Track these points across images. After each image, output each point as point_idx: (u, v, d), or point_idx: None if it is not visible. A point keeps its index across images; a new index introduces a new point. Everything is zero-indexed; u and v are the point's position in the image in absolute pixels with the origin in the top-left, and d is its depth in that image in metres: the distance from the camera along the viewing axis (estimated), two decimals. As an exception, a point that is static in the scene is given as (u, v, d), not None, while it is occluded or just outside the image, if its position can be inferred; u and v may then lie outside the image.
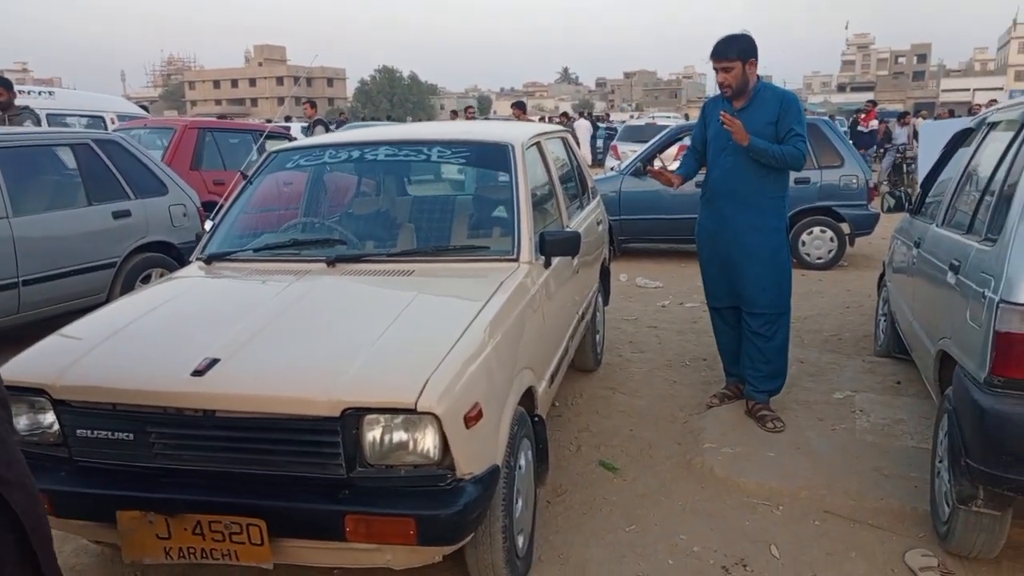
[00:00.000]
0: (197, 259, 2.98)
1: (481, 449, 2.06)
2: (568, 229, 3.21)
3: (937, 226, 3.36)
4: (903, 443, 3.45)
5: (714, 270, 3.73)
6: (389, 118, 33.75)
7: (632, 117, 27.86)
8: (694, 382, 4.40)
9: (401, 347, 2.12)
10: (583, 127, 16.43)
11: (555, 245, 2.89)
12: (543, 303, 2.82)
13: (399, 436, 1.96)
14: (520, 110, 10.50)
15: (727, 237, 3.58)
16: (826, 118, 10.83)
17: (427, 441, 1.95)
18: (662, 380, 4.47)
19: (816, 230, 7.72)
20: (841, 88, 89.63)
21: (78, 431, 2.10)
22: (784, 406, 3.83)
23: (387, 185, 3.47)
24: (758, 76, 3.49)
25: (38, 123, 6.23)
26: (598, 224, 4.37)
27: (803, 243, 7.70)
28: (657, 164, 8.37)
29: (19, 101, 9.67)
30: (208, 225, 3.16)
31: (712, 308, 3.90)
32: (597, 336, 4.51)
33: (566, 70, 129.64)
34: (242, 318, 2.32)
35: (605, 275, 4.67)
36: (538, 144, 3.56)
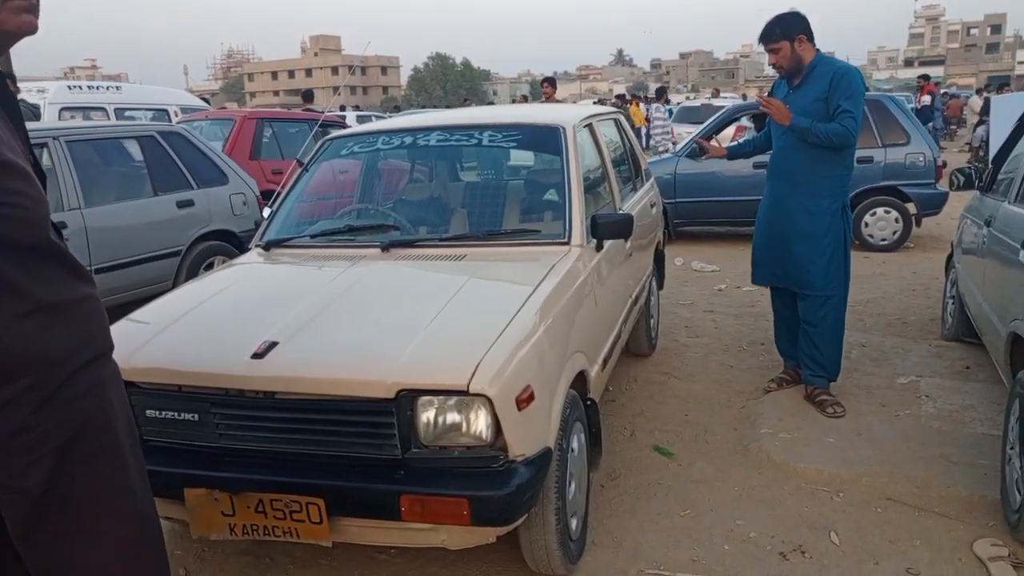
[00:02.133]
0: (256, 246, 3.06)
1: (533, 431, 2.07)
2: (620, 212, 3.18)
3: (1009, 203, 3.22)
4: (972, 429, 3.33)
5: (763, 246, 3.70)
6: (447, 106, 33.76)
7: (688, 98, 27.34)
8: (751, 367, 4.33)
9: (454, 330, 2.14)
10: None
11: (607, 228, 2.87)
12: (595, 287, 2.81)
13: (452, 417, 1.98)
14: (551, 86, 9.75)
15: (779, 216, 3.54)
16: (891, 94, 10.46)
17: (479, 423, 1.97)
18: (718, 365, 4.40)
19: (880, 211, 7.46)
20: (909, 63, 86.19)
21: (147, 412, 2.18)
22: (845, 391, 3.74)
23: (439, 170, 3.50)
24: (817, 50, 3.39)
25: (34, 119, 6.33)
26: (652, 207, 4.32)
27: (866, 224, 7.45)
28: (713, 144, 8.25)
29: (92, 97, 10.09)
30: (266, 212, 3.23)
31: (771, 289, 3.84)
32: (652, 320, 4.47)
33: (620, 52, 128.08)
34: (299, 302, 2.37)
35: (660, 259, 4.62)
36: (590, 126, 3.54)
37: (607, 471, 3.13)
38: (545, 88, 9.68)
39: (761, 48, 3.39)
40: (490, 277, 2.58)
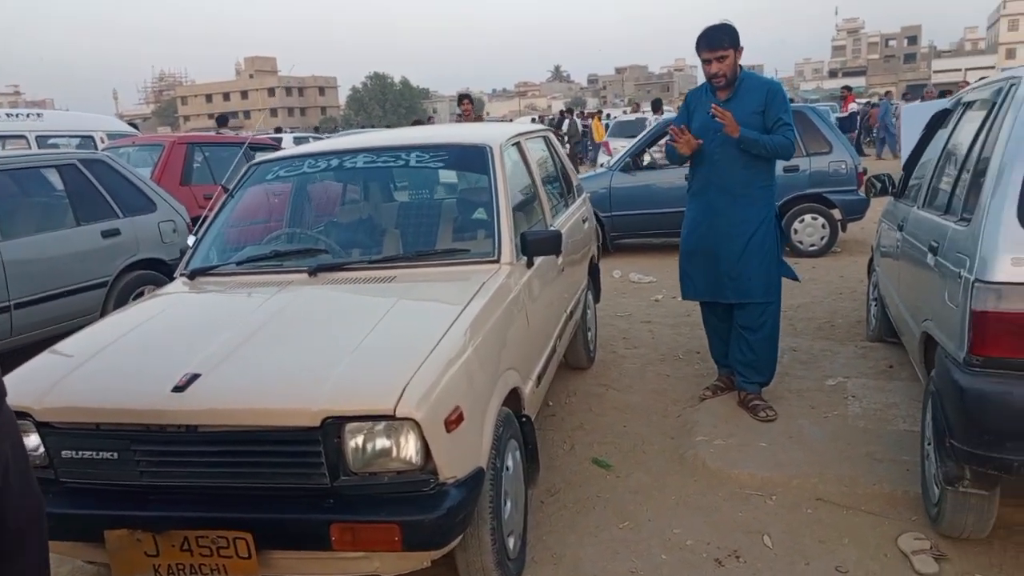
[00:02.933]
0: (181, 275, 2.99)
1: (464, 452, 2.07)
2: (550, 228, 3.22)
3: (918, 208, 3.36)
4: (895, 427, 3.45)
5: (699, 263, 3.68)
6: (387, 126, 33.37)
7: (624, 112, 27.87)
8: (687, 375, 4.41)
9: (380, 354, 2.13)
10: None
11: (537, 244, 2.90)
12: (527, 303, 2.83)
13: (381, 443, 1.97)
14: (469, 103, 9.33)
15: (718, 230, 3.54)
16: (815, 104, 10.84)
17: (408, 447, 1.95)
18: (655, 375, 4.47)
19: (808, 217, 7.72)
20: (833, 74, 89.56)
21: (63, 452, 2.11)
22: (777, 395, 3.83)
23: (367, 192, 3.48)
24: (740, 65, 3.49)
25: None
26: (584, 222, 4.38)
27: (795, 231, 7.70)
28: (646, 160, 8.41)
29: (11, 125, 9.74)
30: (191, 240, 3.17)
31: (702, 303, 3.87)
32: (589, 333, 4.51)
33: (557, 68, 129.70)
34: (223, 332, 2.33)
35: (594, 272, 4.68)
36: (518, 144, 3.57)
37: (546, 486, 3.14)
38: (464, 105, 9.35)
39: (706, 55, 3.34)
40: (419, 298, 2.58)
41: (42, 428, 2.11)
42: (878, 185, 4.35)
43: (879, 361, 4.31)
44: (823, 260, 7.53)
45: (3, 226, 4.68)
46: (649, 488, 3.12)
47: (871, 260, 4.93)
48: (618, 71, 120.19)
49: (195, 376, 2.07)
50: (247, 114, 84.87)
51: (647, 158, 8.43)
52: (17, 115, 9.93)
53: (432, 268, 2.77)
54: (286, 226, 3.22)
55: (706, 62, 3.38)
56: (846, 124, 18.37)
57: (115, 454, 2.06)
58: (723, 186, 3.50)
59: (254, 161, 3.35)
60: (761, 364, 3.68)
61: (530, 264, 2.97)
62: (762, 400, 3.68)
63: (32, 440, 2.13)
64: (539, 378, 2.97)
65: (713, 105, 3.32)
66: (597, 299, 4.85)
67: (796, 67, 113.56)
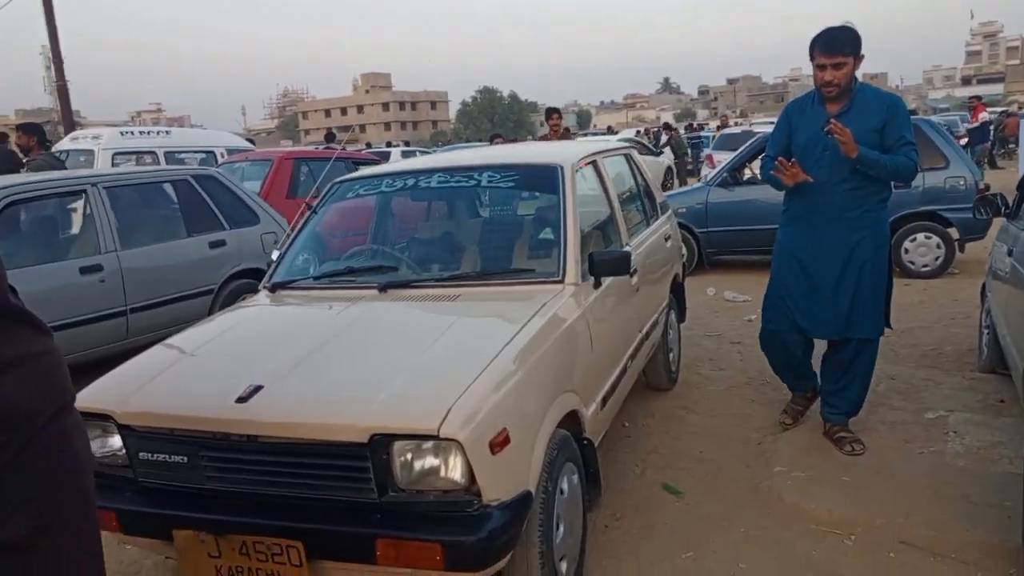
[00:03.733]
0: (263, 287, 3.14)
1: (510, 475, 2.07)
2: (622, 248, 3.16)
3: (1029, 232, 3.10)
4: (999, 468, 3.19)
5: (798, 295, 3.36)
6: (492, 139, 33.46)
7: (735, 124, 27.10)
8: (773, 401, 4.22)
9: (432, 373, 2.16)
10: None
11: (604, 265, 2.87)
12: (591, 324, 2.80)
13: (427, 462, 1.99)
14: (557, 117, 8.87)
15: (824, 260, 3.25)
16: (928, 118, 10.20)
17: (453, 467, 1.97)
18: (740, 399, 4.32)
19: (920, 236, 7.26)
20: (966, 81, 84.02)
21: (140, 454, 2.25)
22: (867, 427, 3.62)
23: (441, 211, 3.55)
24: (855, 77, 3.18)
25: (56, 167, 6.46)
26: (666, 240, 4.29)
27: (906, 250, 7.25)
28: (746, 174, 8.16)
29: (143, 142, 10.53)
30: (275, 255, 3.32)
31: (771, 330, 3.56)
32: (671, 354, 4.41)
33: (667, 80, 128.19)
34: (291, 345, 2.43)
35: (678, 291, 4.58)
36: (594, 163, 3.55)
37: (611, 510, 3.08)
38: (552, 120, 8.90)
39: (821, 59, 3.04)
40: (478, 317, 2.60)
41: (123, 431, 2.26)
42: (990, 207, 4.04)
43: (988, 395, 4.00)
44: (937, 282, 7.05)
45: (123, 237, 5.07)
46: (719, 518, 3.01)
47: (984, 284, 4.59)
48: (730, 81, 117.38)
49: (258, 387, 2.16)
50: (363, 128, 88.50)
51: (747, 172, 8.19)
52: (148, 132, 10.75)
53: (496, 287, 2.79)
54: (369, 242, 3.32)
55: (820, 68, 3.08)
56: (977, 135, 17.15)
57: (185, 458, 2.19)
58: (831, 211, 3.20)
59: (337, 179, 3.48)
60: (852, 394, 3.46)
61: (597, 284, 2.94)
62: (849, 432, 3.48)
63: (115, 441, 2.30)
64: (604, 400, 2.92)
65: (832, 120, 3.01)
66: (682, 319, 4.74)
67: (924, 74, 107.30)
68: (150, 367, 2.44)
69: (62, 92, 12.97)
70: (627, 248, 3.28)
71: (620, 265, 2.89)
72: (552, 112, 9.03)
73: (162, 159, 10.29)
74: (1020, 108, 20.45)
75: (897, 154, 3.10)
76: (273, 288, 3.10)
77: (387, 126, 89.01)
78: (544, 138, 9.17)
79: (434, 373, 2.15)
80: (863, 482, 3.15)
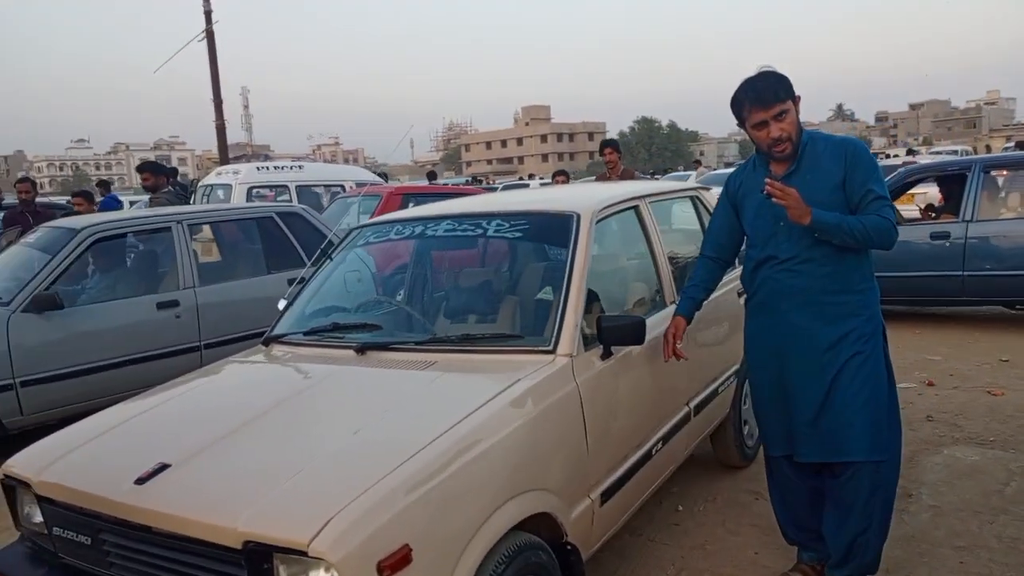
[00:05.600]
0: (262, 340, 2.96)
1: (412, 601, 1.69)
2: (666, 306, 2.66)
3: None
4: None
5: (775, 402, 2.61)
6: (652, 173, 32.24)
7: (909, 153, 24.61)
8: (868, 493, 3.51)
9: (335, 470, 1.83)
10: None
11: (612, 333, 2.44)
12: (591, 403, 2.36)
13: (311, 580, 1.66)
14: (614, 151, 7.23)
15: (795, 357, 2.52)
16: None
17: (330, 591, 1.63)
18: (827, 486, 3.63)
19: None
20: None
21: (54, 529, 2.09)
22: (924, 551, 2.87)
23: (443, 262, 3.23)
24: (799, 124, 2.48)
25: (175, 202, 6.69)
26: (740, 295, 3.71)
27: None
28: None
29: (277, 176, 11.10)
30: (281, 304, 3.15)
31: (772, 457, 2.76)
32: (746, 427, 3.81)
33: (840, 106, 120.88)
34: (224, 418, 2.20)
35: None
36: (635, 208, 3.11)
37: (621, 624, 2.59)
38: (607, 155, 7.24)
39: (758, 115, 2.38)
40: (434, 393, 2.24)
41: (41, 502, 2.11)
42: None
43: None
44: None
45: (201, 273, 5.17)
46: (750, 651, 2.44)
47: None
48: (912, 107, 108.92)
49: (164, 467, 1.94)
50: (520, 160, 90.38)
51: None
52: (282, 167, 11.30)
53: (477, 355, 2.42)
54: (356, 297, 3.08)
55: (760, 127, 2.40)
56: None
57: (89, 539, 2.00)
58: (801, 295, 2.49)
59: (358, 224, 3.27)
60: (855, 547, 2.54)
61: (608, 355, 2.50)
62: None
63: (35, 512, 2.16)
64: (608, 494, 2.46)
65: (768, 180, 2.34)
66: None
67: None
68: (84, 433, 2.29)
69: (220, 131, 14.05)
70: (651, 312, 2.80)
71: (631, 333, 2.44)
72: (606, 145, 7.32)
73: (294, 193, 10.76)
74: None
75: (867, 213, 2.39)
76: (267, 342, 2.92)
77: (544, 157, 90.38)
78: (601, 177, 7.66)
79: (337, 470, 1.83)
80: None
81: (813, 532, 2.72)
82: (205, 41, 13.40)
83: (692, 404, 3.16)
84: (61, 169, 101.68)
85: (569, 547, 2.23)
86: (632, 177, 6.90)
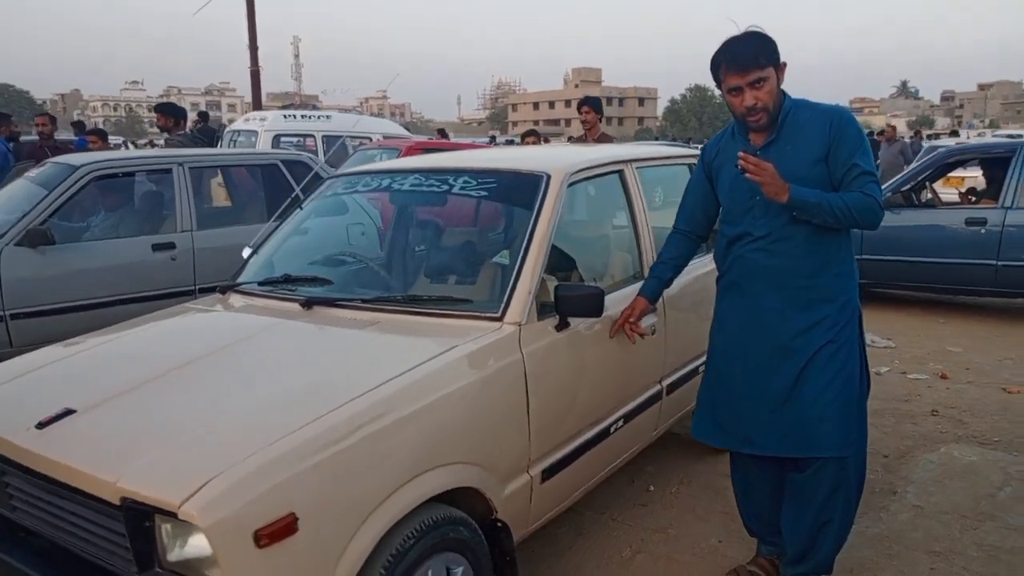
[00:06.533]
0: (218, 287, 2.88)
1: (297, 573, 1.59)
2: (589, 285, 2.48)
3: None
4: None
5: (731, 392, 2.41)
6: (688, 139, 31.39)
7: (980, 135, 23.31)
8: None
9: (235, 427, 1.73)
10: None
11: (567, 303, 2.29)
12: (537, 375, 2.22)
13: (190, 545, 1.57)
14: (591, 110, 6.15)
15: (764, 342, 2.32)
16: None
17: (212, 558, 1.53)
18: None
19: None
20: None
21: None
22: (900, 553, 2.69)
23: (405, 218, 3.08)
24: (783, 91, 2.27)
25: (187, 144, 6.62)
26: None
27: None
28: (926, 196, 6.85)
29: (303, 125, 11.03)
30: (246, 252, 3.06)
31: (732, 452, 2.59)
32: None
33: (904, 83, 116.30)
34: (151, 364, 2.11)
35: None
36: (620, 174, 2.92)
37: (561, 606, 2.49)
38: (584, 114, 6.19)
39: (733, 80, 2.17)
40: (365, 354, 2.12)
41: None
42: None
43: None
44: None
45: (199, 217, 5.12)
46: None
47: None
48: (981, 87, 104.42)
49: (68, 412, 1.86)
50: (567, 122, 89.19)
51: (927, 194, 6.90)
52: (308, 116, 11.20)
53: (420, 317, 2.29)
54: (316, 249, 2.96)
55: (734, 92, 2.19)
56: None
57: (-3, 481, 1.94)
58: (774, 277, 2.30)
59: (333, 174, 3.15)
60: (813, 545, 2.40)
61: (563, 326, 2.35)
62: None
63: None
64: (551, 471, 2.33)
65: (741, 153, 2.13)
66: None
67: None
68: (12, 371, 2.23)
69: (254, 76, 14.00)
70: (626, 284, 2.63)
71: (588, 304, 2.28)
72: (584, 103, 6.23)
73: (319, 142, 10.68)
74: None
75: (850, 190, 2.18)
76: (224, 290, 2.83)
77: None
78: (580, 139, 6.61)
79: (233, 429, 1.72)
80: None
81: (773, 525, 2.56)
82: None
83: (666, 382, 3.01)
84: (115, 109, 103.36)
85: (499, 524, 2.13)
86: (609, 142, 6.00)
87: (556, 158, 2.82)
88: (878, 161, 12.10)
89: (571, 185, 2.60)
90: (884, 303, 6.88)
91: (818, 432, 2.28)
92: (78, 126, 11.43)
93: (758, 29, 2.23)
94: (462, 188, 2.63)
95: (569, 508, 2.91)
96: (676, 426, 3.69)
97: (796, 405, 2.30)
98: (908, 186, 6.85)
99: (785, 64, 2.22)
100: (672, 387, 3.05)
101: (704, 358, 3.21)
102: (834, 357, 2.28)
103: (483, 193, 2.61)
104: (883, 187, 7.40)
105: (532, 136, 7.34)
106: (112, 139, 19.36)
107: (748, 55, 2.16)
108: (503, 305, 2.25)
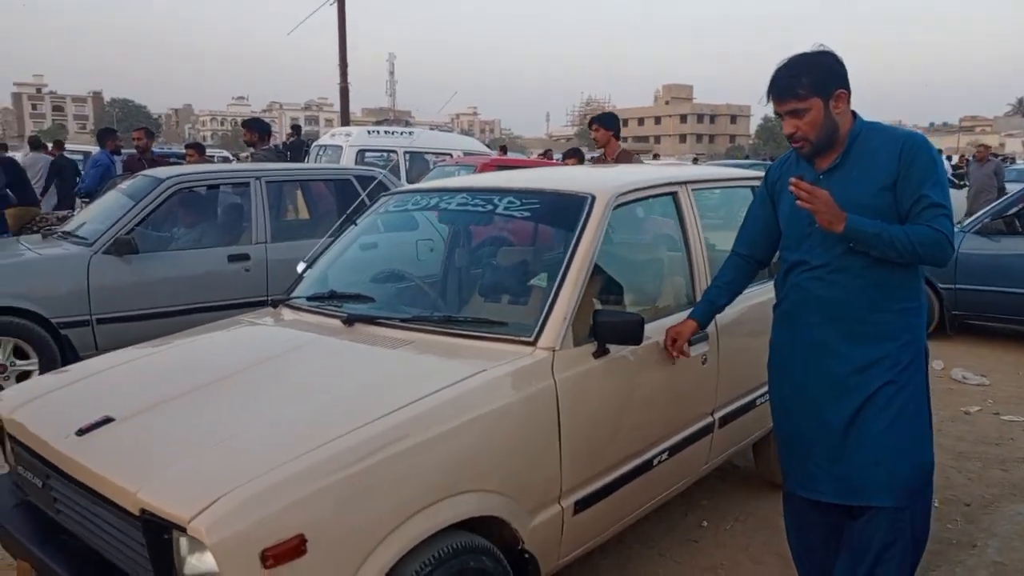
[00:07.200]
0: (271, 302, 2.94)
1: (303, 597, 1.58)
2: (630, 311, 2.39)
3: None
4: None
5: (795, 427, 2.28)
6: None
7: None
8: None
9: (256, 443, 1.74)
10: None
11: (608, 329, 2.21)
12: (569, 404, 2.15)
13: (204, 561, 1.59)
14: (601, 127, 5.40)
15: (821, 377, 2.18)
16: None
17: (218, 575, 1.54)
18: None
19: None
20: None
21: (18, 467, 2.14)
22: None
23: (452, 237, 3.06)
24: (854, 114, 2.14)
25: (271, 159, 6.81)
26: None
27: None
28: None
29: (387, 141, 11.32)
30: (300, 267, 3.12)
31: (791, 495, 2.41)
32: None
33: (1021, 101, 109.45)
34: (192, 375, 2.16)
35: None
36: (673, 196, 2.83)
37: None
38: (593, 131, 5.53)
39: (775, 108, 2.11)
40: (390, 378, 2.09)
41: (10, 440, 2.17)
42: None
43: None
44: None
45: (274, 230, 5.28)
46: None
47: None
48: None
49: (107, 420, 1.92)
50: (657, 139, 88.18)
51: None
52: (392, 132, 11.46)
53: (455, 339, 2.27)
54: (367, 266, 2.97)
55: (781, 117, 2.13)
56: None
57: (40, 483, 2.03)
58: (827, 307, 2.16)
59: (388, 192, 3.18)
60: None
61: (601, 352, 2.28)
62: None
63: (8, 448, 2.22)
64: (585, 503, 2.25)
65: (792, 180, 2.02)
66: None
67: None
68: (66, 377, 2.34)
69: (343, 93, 14.48)
70: (674, 311, 2.53)
71: (627, 331, 2.21)
72: (594, 121, 5.56)
73: (402, 157, 10.91)
74: None
75: (917, 222, 2.02)
76: (276, 304, 2.89)
77: (683, 138, 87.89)
78: (600, 160, 6.02)
79: (254, 445, 1.73)
80: None
81: (827, 574, 2.40)
82: (336, 5, 13.80)
83: (718, 415, 2.88)
84: (222, 124, 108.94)
85: (526, 555, 2.07)
86: (630, 161, 5.46)
87: (605, 179, 2.76)
88: (968, 182, 11.32)
89: (619, 207, 2.53)
90: (978, 336, 6.43)
91: (871, 479, 2.13)
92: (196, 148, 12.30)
93: (823, 48, 2.12)
94: (506, 208, 2.60)
95: (616, 539, 2.83)
96: (736, 458, 3.55)
97: (852, 448, 2.15)
98: (1012, 212, 6.40)
99: (845, 93, 2.09)
100: (725, 419, 2.91)
101: (762, 390, 3.09)
102: (894, 399, 2.12)
103: (526, 213, 2.57)
104: (980, 212, 6.98)
105: (574, 156, 6.73)
106: (216, 151, 20.38)
107: (783, 85, 2.08)
108: (537, 329, 2.19)
